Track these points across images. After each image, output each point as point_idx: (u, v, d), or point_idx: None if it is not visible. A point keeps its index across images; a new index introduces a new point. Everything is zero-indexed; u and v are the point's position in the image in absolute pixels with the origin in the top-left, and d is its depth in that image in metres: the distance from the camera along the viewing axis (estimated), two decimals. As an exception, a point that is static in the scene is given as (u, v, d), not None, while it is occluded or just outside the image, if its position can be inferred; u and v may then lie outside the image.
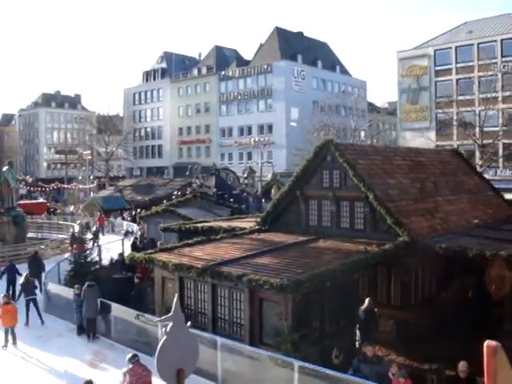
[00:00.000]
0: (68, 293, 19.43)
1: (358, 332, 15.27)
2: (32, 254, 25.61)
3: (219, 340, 13.52)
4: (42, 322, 19.27)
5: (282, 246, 17.47)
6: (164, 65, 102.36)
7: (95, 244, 33.27)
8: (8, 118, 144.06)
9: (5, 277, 22.85)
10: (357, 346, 15.03)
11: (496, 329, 15.26)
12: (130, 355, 11.42)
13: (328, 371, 11.20)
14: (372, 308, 15.30)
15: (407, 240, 16.34)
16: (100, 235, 38.67)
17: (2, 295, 17.91)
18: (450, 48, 63.03)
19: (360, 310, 15.17)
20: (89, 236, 37.37)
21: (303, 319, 13.56)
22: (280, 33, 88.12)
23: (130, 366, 11.05)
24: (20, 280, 20.52)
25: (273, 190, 44.19)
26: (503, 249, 15.53)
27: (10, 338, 17.11)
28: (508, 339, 14.93)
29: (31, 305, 19.43)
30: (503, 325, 15.65)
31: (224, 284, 14.53)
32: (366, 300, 15.29)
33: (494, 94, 51.40)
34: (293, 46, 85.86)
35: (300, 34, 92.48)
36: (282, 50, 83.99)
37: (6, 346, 17.07)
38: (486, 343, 1.76)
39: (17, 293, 21.18)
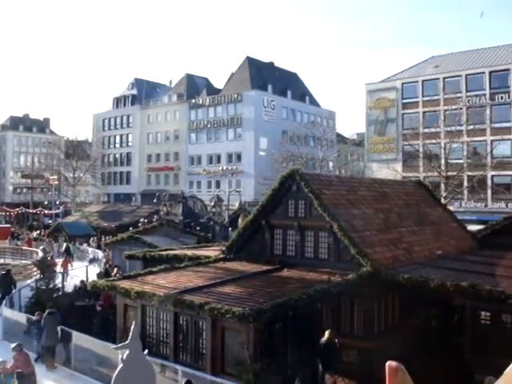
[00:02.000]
0: (27, 320, 19.04)
1: (319, 363, 15.23)
2: (4, 271, 25.22)
3: (180, 369, 13.36)
4: None
5: (245, 275, 17.42)
6: (135, 91, 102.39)
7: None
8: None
9: None
10: (319, 376, 14.98)
11: (457, 358, 15.46)
12: (14, 344, 13.46)
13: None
14: (332, 339, 15.29)
15: (370, 270, 16.43)
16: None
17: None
18: (417, 82, 64.49)
19: (321, 341, 15.16)
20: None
21: (265, 349, 13.50)
22: (251, 62, 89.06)
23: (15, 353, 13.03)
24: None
25: (240, 219, 44.14)
26: (465, 280, 15.73)
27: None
28: (468, 369, 15.15)
29: None
30: (464, 354, 15.79)
31: (186, 312, 14.41)
32: (327, 332, 15.29)
33: (458, 128, 52.50)
34: (263, 75, 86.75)
35: (270, 64, 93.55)
36: (253, 80, 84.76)
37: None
38: (387, 363, 1.79)
39: None
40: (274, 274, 17.72)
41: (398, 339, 17.40)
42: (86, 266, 32.24)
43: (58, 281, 25.75)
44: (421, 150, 55.22)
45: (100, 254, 40.03)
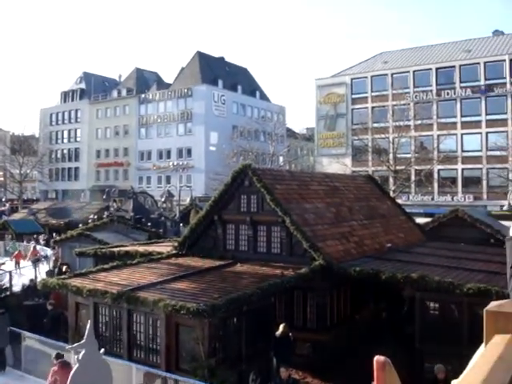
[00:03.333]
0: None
1: (274, 357, 15.39)
2: None
3: (134, 367, 13.27)
4: None
5: (199, 271, 17.40)
6: (83, 85, 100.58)
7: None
8: None
9: None
10: (274, 369, 15.13)
11: (408, 348, 15.84)
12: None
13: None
14: (287, 333, 15.47)
15: (322, 264, 16.66)
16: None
17: None
18: (366, 77, 65.57)
19: (275, 335, 15.31)
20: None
21: (220, 344, 13.53)
22: (201, 57, 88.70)
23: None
24: None
25: (191, 215, 44.00)
26: (414, 271, 16.13)
27: None
28: (419, 358, 15.54)
29: None
30: (414, 344, 16.18)
31: (140, 310, 14.30)
32: (281, 325, 15.45)
33: (406, 123, 53.64)
34: (214, 70, 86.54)
35: (221, 59, 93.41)
36: (203, 75, 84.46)
37: None
38: (375, 358, 1.86)
39: None
40: (228, 270, 17.76)
41: (351, 331, 17.75)
42: (35, 264, 31.53)
43: (6, 280, 25.11)
44: (370, 144, 56.22)
45: (49, 251, 39.26)
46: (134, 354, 14.70)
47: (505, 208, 28.01)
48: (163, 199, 53.40)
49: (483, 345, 2.19)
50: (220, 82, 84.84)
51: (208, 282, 15.92)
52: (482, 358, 1.98)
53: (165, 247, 23.09)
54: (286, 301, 17.55)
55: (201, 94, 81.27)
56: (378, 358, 1.89)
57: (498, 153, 53.81)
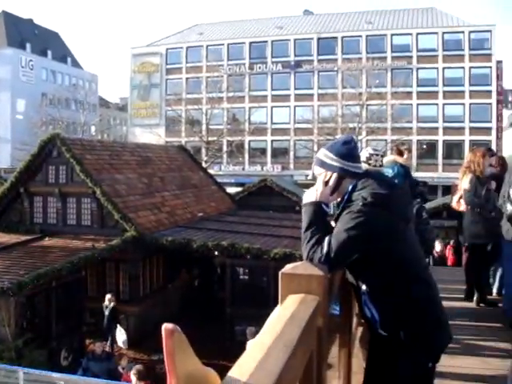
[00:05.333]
0: None
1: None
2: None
3: None
4: None
5: (3, 247, 16.40)
6: None
7: None
8: None
9: None
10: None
11: (220, 312, 16.46)
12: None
13: (54, 374, 10.87)
14: (111, 305, 15.29)
15: (134, 234, 16.55)
16: None
17: None
18: (181, 48, 65.22)
19: (104, 306, 15.05)
20: None
21: (28, 323, 12.98)
22: (7, 17, 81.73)
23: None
24: None
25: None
26: (225, 239, 16.66)
27: None
28: (230, 322, 16.19)
29: None
30: (225, 308, 16.82)
31: None
32: (107, 296, 15.21)
33: (219, 94, 54.51)
34: (21, 33, 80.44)
35: (29, 20, 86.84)
36: (9, 37, 78.17)
37: None
38: (163, 326, 1.88)
39: None
40: (35, 244, 16.95)
41: (165, 300, 17.93)
42: None
43: None
44: (183, 115, 56.36)
45: None
46: None
47: (309, 177, 29.83)
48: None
49: (279, 305, 2.29)
50: (28, 46, 79.15)
51: (14, 258, 15.10)
52: (277, 318, 2.05)
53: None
54: (98, 273, 17.24)
55: (6, 58, 75.27)
56: (165, 326, 1.92)
57: (304, 125, 56.75)
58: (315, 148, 52.20)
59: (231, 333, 16.02)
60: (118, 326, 15.65)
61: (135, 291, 17.34)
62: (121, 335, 15.63)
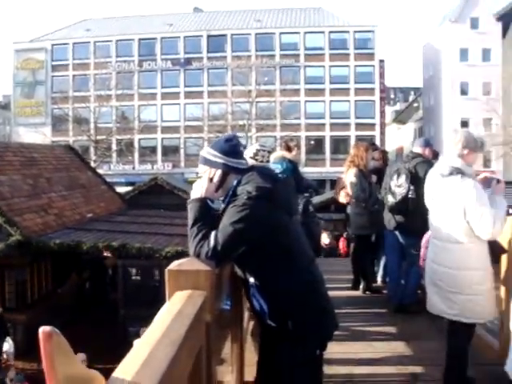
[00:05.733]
0: None
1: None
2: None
3: None
4: None
5: None
6: None
7: None
8: None
9: None
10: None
11: (113, 314, 16.18)
12: None
13: None
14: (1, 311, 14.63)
15: (20, 239, 15.87)
16: None
17: None
18: (68, 44, 63.06)
19: None
20: None
21: None
22: None
23: None
24: None
25: None
26: (115, 240, 16.37)
27: None
28: (123, 323, 15.95)
29: None
30: (119, 310, 16.55)
31: None
32: None
33: (108, 92, 53.34)
34: None
35: None
36: None
37: None
38: (40, 329, 1.86)
39: None
40: None
41: (55, 305, 17.36)
42: None
43: None
44: (70, 113, 54.63)
45: None
46: None
47: (200, 175, 29.77)
48: None
49: (167, 302, 2.31)
50: None
51: None
52: (164, 314, 2.09)
53: None
54: (-20, 281, 16.42)
55: None
56: (43, 329, 1.89)
57: (194, 123, 56.69)
58: (206, 145, 52.21)
59: (125, 335, 15.78)
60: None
61: (22, 298, 16.68)
62: (7, 345, 14.96)
